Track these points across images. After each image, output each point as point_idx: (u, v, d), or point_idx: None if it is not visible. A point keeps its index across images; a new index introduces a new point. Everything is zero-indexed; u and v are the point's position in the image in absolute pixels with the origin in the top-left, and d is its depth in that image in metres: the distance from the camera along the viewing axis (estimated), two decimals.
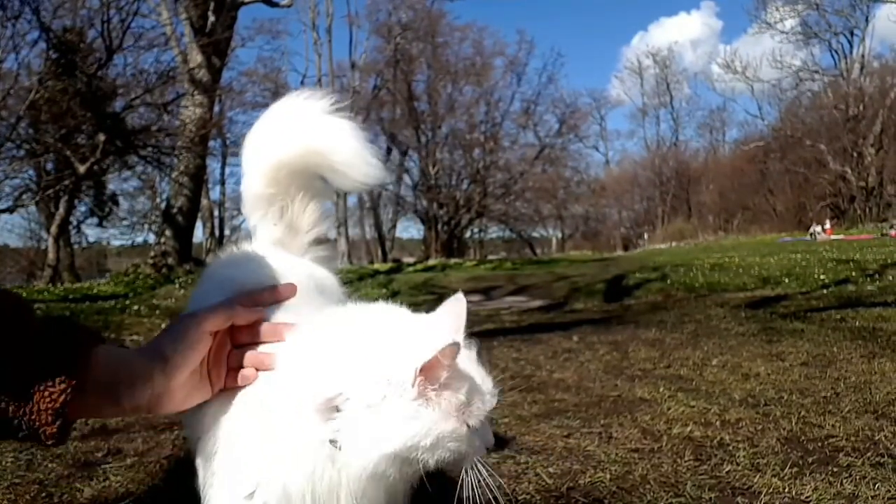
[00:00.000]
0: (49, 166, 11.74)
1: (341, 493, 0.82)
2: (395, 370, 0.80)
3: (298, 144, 1.10)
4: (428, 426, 0.79)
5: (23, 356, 0.69)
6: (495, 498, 0.89)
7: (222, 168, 30.53)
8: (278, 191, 1.12)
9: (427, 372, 0.78)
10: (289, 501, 0.81)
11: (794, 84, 37.58)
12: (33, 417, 0.69)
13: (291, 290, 0.93)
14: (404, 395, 0.79)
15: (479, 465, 0.86)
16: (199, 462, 0.91)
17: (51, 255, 12.49)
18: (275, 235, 1.14)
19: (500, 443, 2.27)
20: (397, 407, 0.79)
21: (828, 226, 27.79)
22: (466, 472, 0.86)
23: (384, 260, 29.40)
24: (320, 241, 1.19)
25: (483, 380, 0.86)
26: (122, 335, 5.30)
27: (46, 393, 0.69)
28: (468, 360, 0.86)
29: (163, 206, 14.26)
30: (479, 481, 0.86)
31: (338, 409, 0.80)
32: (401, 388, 0.79)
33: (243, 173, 1.14)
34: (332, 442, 0.80)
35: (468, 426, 0.83)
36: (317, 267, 1.15)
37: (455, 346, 0.78)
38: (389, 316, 0.91)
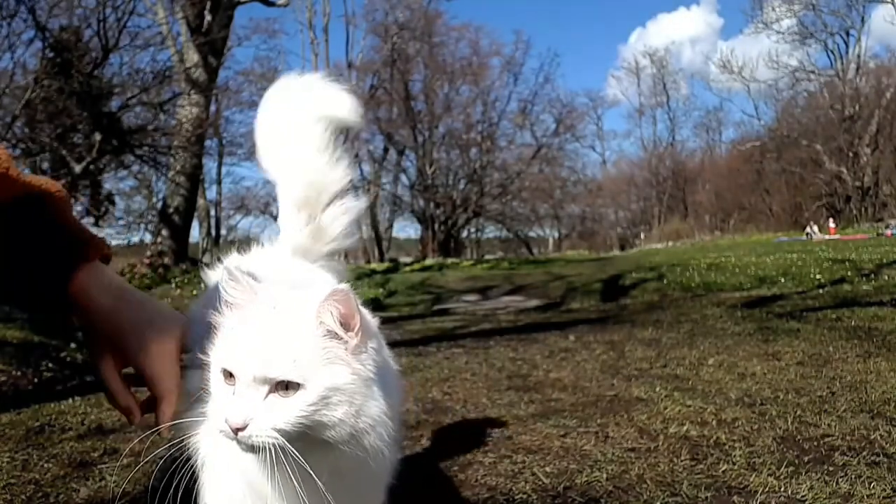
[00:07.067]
0: (45, 166, 11.68)
1: None
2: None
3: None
4: None
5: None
6: None
7: (219, 168, 30.35)
8: (310, 199, 1.19)
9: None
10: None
11: (791, 84, 37.60)
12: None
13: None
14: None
15: None
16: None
17: None
18: (299, 240, 1.17)
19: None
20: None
21: (832, 224, 27.77)
22: None
23: (381, 259, 29.34)
24: (336, 254, 1.24)
25: None
26: None
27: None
28: None
29: (159, 205, 14.26)
30: None
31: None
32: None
33: (276, 182, 1.22)
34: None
35: None
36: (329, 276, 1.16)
37: None
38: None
